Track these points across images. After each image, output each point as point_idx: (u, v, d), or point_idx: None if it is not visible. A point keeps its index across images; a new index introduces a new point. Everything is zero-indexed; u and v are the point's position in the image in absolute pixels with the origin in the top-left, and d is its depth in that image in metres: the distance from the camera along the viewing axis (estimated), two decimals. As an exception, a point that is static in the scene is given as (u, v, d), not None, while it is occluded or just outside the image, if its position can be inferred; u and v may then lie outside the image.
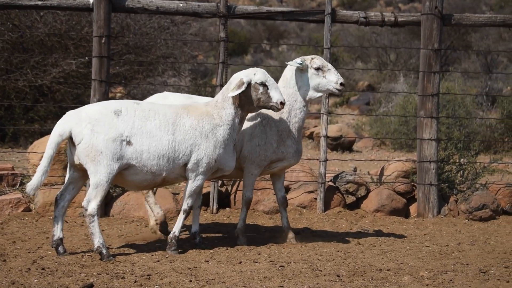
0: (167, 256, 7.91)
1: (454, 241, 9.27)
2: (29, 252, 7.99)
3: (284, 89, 8.56)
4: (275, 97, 8.10)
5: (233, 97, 8.07)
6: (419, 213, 10.89)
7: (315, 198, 10.84)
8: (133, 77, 19.52)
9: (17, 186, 10.86)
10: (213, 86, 11.31)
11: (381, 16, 11.15)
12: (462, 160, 11.69)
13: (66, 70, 17.30)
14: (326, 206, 10.81)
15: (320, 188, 10.78)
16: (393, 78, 27.30)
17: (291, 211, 10.58)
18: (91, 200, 7.63)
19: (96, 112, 7.70)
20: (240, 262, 7.64)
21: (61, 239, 7.83)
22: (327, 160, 11.01)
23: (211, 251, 8.25)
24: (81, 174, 7.84)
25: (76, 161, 7.72)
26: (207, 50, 28.56)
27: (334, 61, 26.00)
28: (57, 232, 7.83)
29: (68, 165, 7.89)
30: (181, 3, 10.80)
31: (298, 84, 8.67)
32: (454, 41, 30.68)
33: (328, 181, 11.08)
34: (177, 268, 7.27)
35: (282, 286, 6.61)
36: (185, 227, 8.94)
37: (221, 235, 9.39)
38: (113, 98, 19.16)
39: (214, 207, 10.66)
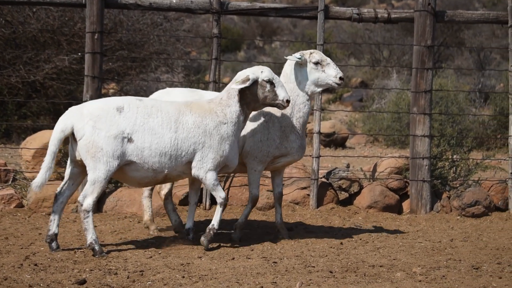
0: (160, 252, 7.90)
1: (446, 237, 9.28)
2: (21, 248, 7.98)
3: (285, 85, 8.55)
4: (281, 95, 8.13)
5: (238, 95, 8.08)
6: (412, 210, 10.90)
7: (308, 194, 10.85)
8: (126, 73, 19.49)
9: (10, 182, 10.85)
10: (206, 82, 11.29)
11: (374, 12, 11.16)
12: (455, 156, 11.70)
13: (59, 66, 17.28)
14: (319, 202, 10.82)
15: (313, 185, 10.79)
16: (386, 74, 27.33)
17: (284, 207, 10.59)
18: (87, 196, 7.62)
19: (98, 109, 7.69)
20: (233, 258, 7.65)
21: (55, 235, 7.83)
22: (320, 156, 11.02)
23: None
24: (81, 170, 7.85)
25: (77, 157, 7.73)
26: (200, 47, 28.57)
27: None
28: (53, 227, 7.82)
29: (69, 160, 7.88)
30: (174, -1, 10.80)
31: (298, 79, 8.67)
32: (447, 38, 30.71)
33: (321, 178, 11.09)
34: (170, 264, 7.27)
35: (275, 282, 6.61)
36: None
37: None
38: (106, 94, 19.17)
39: (207, 203, 10.66)
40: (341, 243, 8.62)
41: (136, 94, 20.28)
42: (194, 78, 23.65)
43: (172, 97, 8.60)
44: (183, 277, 6.76)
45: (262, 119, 8.62)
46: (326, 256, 7.89)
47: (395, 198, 11.00)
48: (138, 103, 7.82)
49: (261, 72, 8.13)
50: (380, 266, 7.35)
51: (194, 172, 7.96)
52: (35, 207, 10.21)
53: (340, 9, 11.19)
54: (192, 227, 8.49)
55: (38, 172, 10.82)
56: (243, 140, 8.54)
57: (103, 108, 7.69)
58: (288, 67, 8.75)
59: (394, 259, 7.75)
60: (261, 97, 8.12)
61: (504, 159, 12.32)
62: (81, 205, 7.62)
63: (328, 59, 8.71)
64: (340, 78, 8.66)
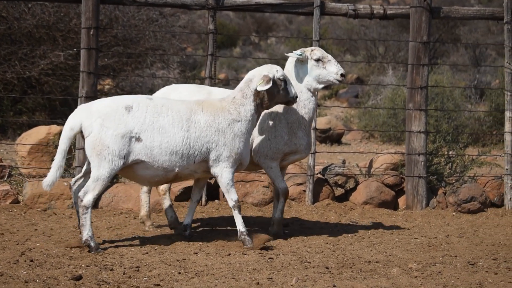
0: (156, 248, 7.90)
1: (442, 233, 9.29)
2: (17, 244, 7.97)
3: None
4: (292, 91, 8.23)
5: (254, 94, 8.09)
6: (408, 206, 10.90)
7: (304, 190, 10.85)
8: (121, 69, 19.45)
9: (5, 178, 10.83)
10: (202, 78, 11.28)
11: (370, 8, 11.15)
12: (450, 152, 11.71)
13: (55, 62, 17.24)
14: (315, 198, 10.82)
15: (309, 181, 10.79)
16: (382, 70, 27.30)
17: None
18: (89, 192, 7.64)
19: (107, 107, 7.70)
20: (229, 254, 7.65)
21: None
22: (316, 152, 11.02)
23: (200, 243, 8.25)
24: None
25: None
26: (196, 43, 28.51)
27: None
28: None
29: (87, 160, 7.88)
30: (170, -6, 10.79)
31: (300, 76, 8.69)
32: (442, 34, 30.72)
33: (317, 174, 11.08)
34: (166, 260, 7.26)
35: (271, 278, 6.61)
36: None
37: (210, 227, 9.39)
38: (102, 90, 19.15)
39: (203, 199, 10.65)
40: (338, 239, 8.63)
41: (132, 90, 20.26)
42: (189, 74, 23.63)
43: (179, 93, 8.59)
44: (179, 273, 6.76)
45: (267, 118, 8.62)
46: (322, 252, 7.89)
47: (391, 194, 11.00)
48: (147, 102, 7.81)
49: (276, 71, 8.18)
50: (376, 262, 7.36)
51: (212, 170, 7.97)
52: (30, 203, 10.19)
53: (336, 5, 11.18)
54: (190, 224, 8.49)
55: (33, 167, 10.90)
56: (251, 140, 8.53)
57: (111, 107, 7.70)
58: (290, 65, 8.76)
59: (390, 255, 7.76)
60: (276, 95, 8.16)
61: (500, 155, 12.35)
62: (81, 200, 7.63)
63: (329, 56, 8.73)
64: (342, 75, 8.69)
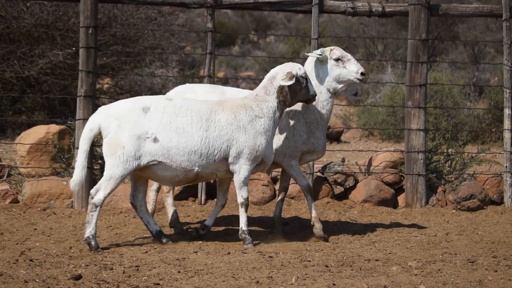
0: (155, 247, 7.90)
1: (442, 231, 9.29)
2: (16, 244, 7.97)
3: None
4: (312, 89, 8.26)
5: (277, 91, 8.09)
6: (407, 203, 10.90)
7: (304, 189, 10.83)
8: (120, 68, 19.45)
9: (5, 178, 10.82)
10: (201, 77, 11.27)
11: (368, 6, 11.14)
12: (450, 150, 11.71)
13: (53, 61, 17.23)
14: (315, 197, 10.80)
15: (308, 179, 10.78)
16: (381, 68, 27.28)
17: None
18: (100, 190, 7.72)
19: (125, 108, 7.80)
20: (229, 253, 7.64)
21: (160, 231, 8.16)
22: (315, 150, 11.00)
23: (200, 242, 8.25)
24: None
25: None
26: (194, 41, 28.51)
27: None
28: (153, 227, 8.15)
29: None
30: (169, -7, 10.78)
31: (320, 76, 8.68)
32: (441, 32, 30.70)
33: (316, 172, 11.08)
34: (166, 259, 7.26)
35: (271, 277, 6.61)
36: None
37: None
38: (101, 89, 19.14)
39: (203, 198, 10.65)
40: (337, 237, 8.63)
41: (131, 89, 20.25)
42: (188, 73, 23.61)
43: (193, 93, 8.58)
44: (179, 272, 6.76)
45: (286, 117, 8.60)
46: (322, 250, 7.89)
47: (391, 192, 11.00)
48: (166, 103, 7.86)
49: (299, 68, 8.19)
50: (376, 260, 7.36)
51: (231, 167, 7.97)
52: (30, 203, 10.19)
53: (334, 2, 11.16)
54: (210, 226, 8.51)
55: (32, 167, 10.89)
56: None
57: (129, 108, 7.79)
58: (309, 65, 8.74)
59: (389, 253, 7.76)
60: (298, 93, 8.17)
61: (499, 153, 12.34)
62: (92, 198, 7.70)
63: (349, 55, 8.73)
64: (362, 74, 8.69)
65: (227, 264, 7.10)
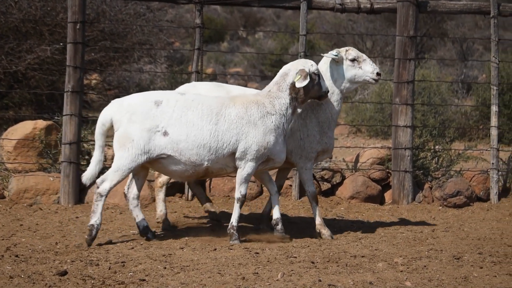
0: (141, 243, 7.89)
1: (428, 227, 9.31)
2: (2, 239, 7.95)
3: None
4: (324, 86, 8.27)
5: (290, 88, 8.08)
6: (394, 200, 10.92)
7: (291, 185, 10.85)
8: (108, 64, 19.38)
9: (-9, 173, 10.79)
10: (189, 73, 11.26)
11: (357, 3, 11.14)
12: (437, 147, 11.73)
13: (41, 56, 17.16)
14: (302, 193, 10.81)
15: (295, 175, 10.78)
16: (370, 65, 27.27)
17: (266, 197, 10.57)
18: (106, 181, 7.76)
19: (136, 102, 7.83)
20: (215, 249, 7.64)
21: (146, 227, 8.14)
22: (303, 147, 11.00)
23: (186, 238, 8.24)
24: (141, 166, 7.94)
25: None
26: (183, 37, 28.45)
27: (311, 48, 25.94)
28: (140, 221, 8.15)
29: None
30: (157, -11, 10.77)
31: (334, 77, 8.66)
32: (430, 28, 30.74)
33: (304, 168, 11.07)
34: (152, 255, 7.26)
35: (257, 273, 6.61)
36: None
37: (196, 221, 9.38)
38: (88, 85, 19.10)
39: (189, 194, 10.64)
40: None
41: (119, 84, 20.22)
42: (177, 69, 23.57)
43: (197, 91, 8.55)
44: (165, 268, 6.76)
45: (299, 117, 8.55)
46: (308, 246, 7.90)
47: (377, 189, 11.01)
48: (178, 97, 7.89)
49: (311, 65, 8.18)
50: (362, 257, 7.37)
51: (237, 162, 7.95)
52: (16, 198, 10.16)
53: (323, -1, 11.17)
54: (280, 217, 8.33)
55: (19, 162, 10.85)
56: None
57: (141, 101, 7.83)
58: (324, 65, 8.70)
59: (375, 250, 7.77)
60: (310, 90, 8.16)
61: (486, 150, 12.38)
62: (98, 187, 7.74)
63: (364, 55, 8.71)
64: (377, 74, 8.67)
65: (213, 260, 7.10)
